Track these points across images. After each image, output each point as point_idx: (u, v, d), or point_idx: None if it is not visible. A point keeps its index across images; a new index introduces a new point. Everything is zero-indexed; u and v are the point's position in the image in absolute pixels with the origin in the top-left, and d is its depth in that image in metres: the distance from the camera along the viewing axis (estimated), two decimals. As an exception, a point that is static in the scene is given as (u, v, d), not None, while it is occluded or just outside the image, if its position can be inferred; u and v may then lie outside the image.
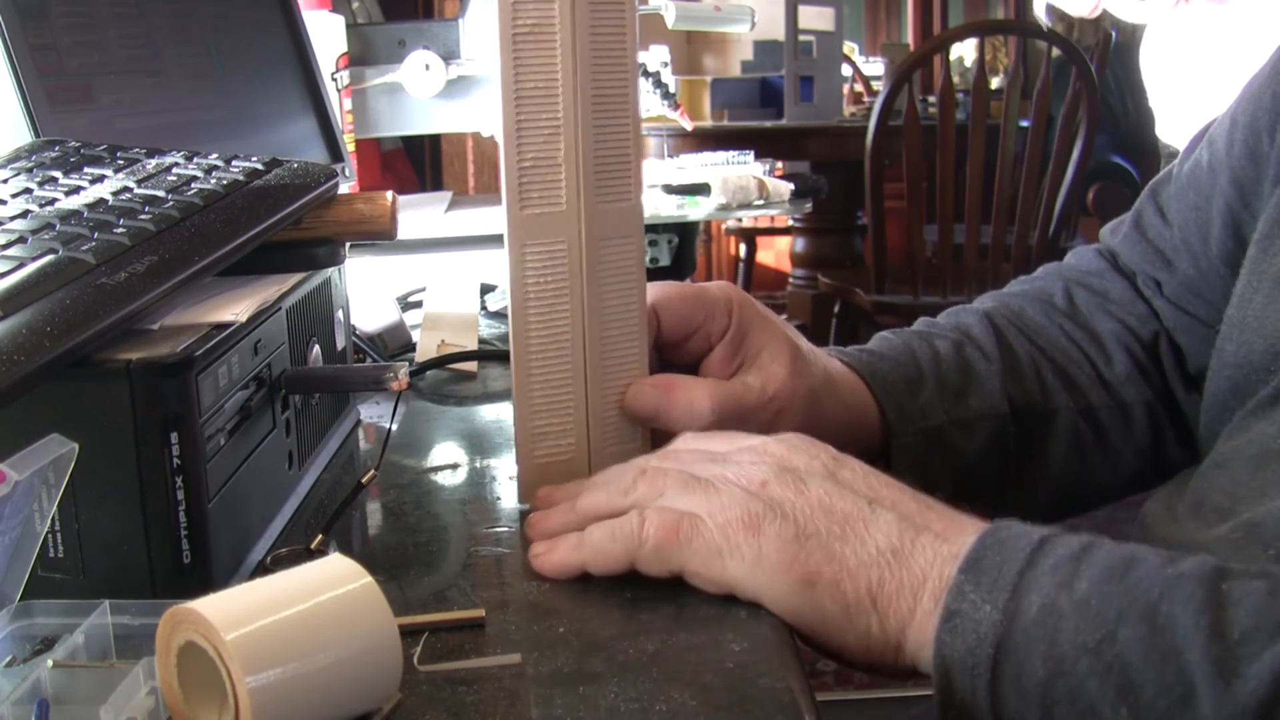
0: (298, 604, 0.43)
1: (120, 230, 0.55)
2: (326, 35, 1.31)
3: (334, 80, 1.31)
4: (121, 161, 0.66)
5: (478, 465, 0.76)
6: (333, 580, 0.44)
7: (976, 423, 0.76)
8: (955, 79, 3.18)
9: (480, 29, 1.42)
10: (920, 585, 0.52)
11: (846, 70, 4.06)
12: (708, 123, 3.75)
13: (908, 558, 0.52)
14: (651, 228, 1.51)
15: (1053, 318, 0.83)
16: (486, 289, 1.20)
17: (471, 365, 0.97)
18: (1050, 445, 0.78)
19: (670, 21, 1.49)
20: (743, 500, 0.54)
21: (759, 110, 4.00)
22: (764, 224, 4.73)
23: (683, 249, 1.55)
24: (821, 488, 0.55)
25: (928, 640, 0.51)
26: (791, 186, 1.57)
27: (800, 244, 3.78)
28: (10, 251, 0.51)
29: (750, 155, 1.74)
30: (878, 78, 4.42)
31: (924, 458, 0.75)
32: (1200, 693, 0.45)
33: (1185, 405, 0.81)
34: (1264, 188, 0.71)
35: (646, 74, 1.50)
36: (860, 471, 0.57)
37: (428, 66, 1.40)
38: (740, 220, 4.46)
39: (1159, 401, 0.81)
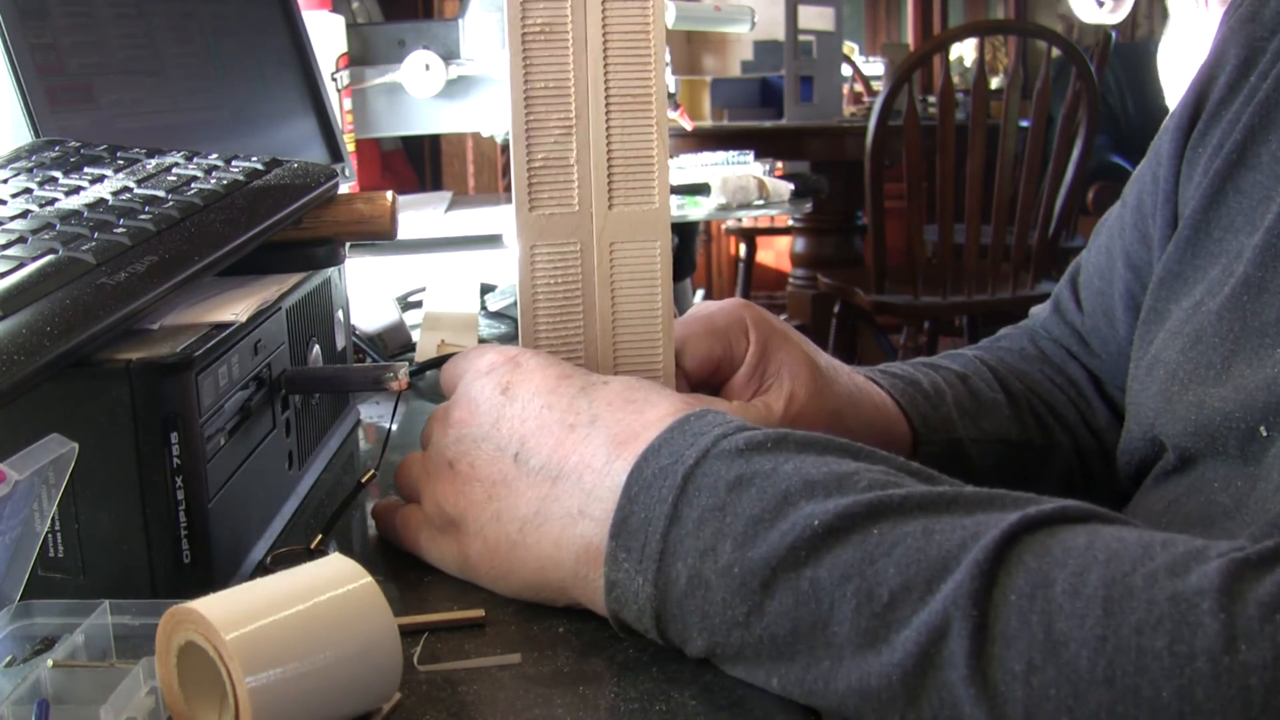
0: (298, 604, 0.43)
1: (120, 230, 0.55)
2: (326, 35, 1.31)
3: (334, 80, 1.31)
4: (121, 161, 0.66)
5: (478, 465, 0.75)
6: (333, 580, 0.44)
7: (989, 445, 0.76)
8: (955, 79, 3.18)
9: (480, 29, 1.42)
10: (561, 553, 0.51)
11: (846, 70, 4.06)
12: (708, 123, 3.75)
13: (542, 525, 0.52)
14: (651, 227, 1.51)
15: (1032, 364, 0.84)
16: (486, 289, 1.20)
17: (471, 365, 0.97)
18: (1046, 481, 0.78)
19: (670, 21, 1.49)
20: (432, 505, 0.57)
21: (759, 110, 4.01)
22: (764, 224, 4.73)
23: (683, 249, 1.56)
24: (467, 458, 0.55)
25: (599, 604, 0.51)
26: (791, 186, 1.57)
27: (800, 244, 3.78)
28: (10, 251, 0.51)
29: (750, 155, 1.75)
30: (878, 78, 4.42)
31: (947, 470, 0.74)
32: (846, 666, 0.43)
33: None
34: (1153, 269, 0.71)
35: (646, 74, 1.50)
36: (520, 408, 0.55)
37: (428, 66, 1.40)
38: (740, 220, 4.46)
39: None
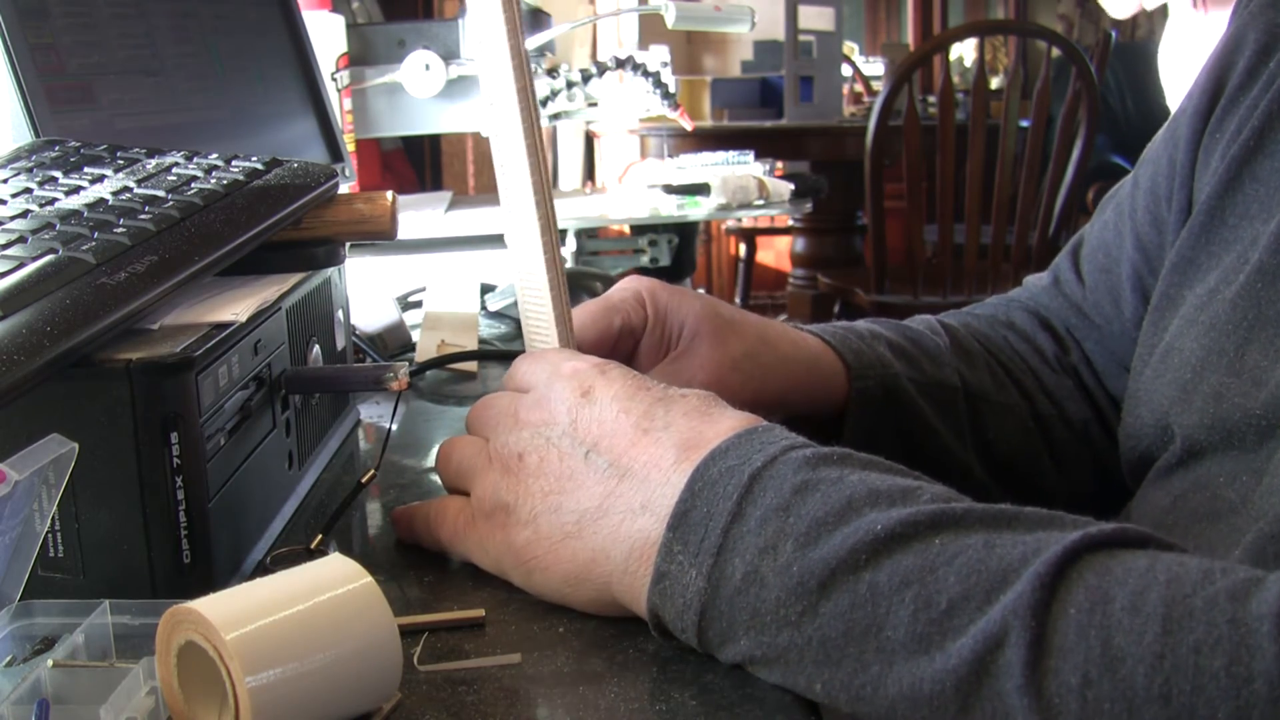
0: (298, 604, 0.43)
1: (120, 230, 0.55)
2: (326, 35, 1.31)
3: (334, 80, 1.31)
4: (121, 161, 0.66)
5: (478, 465, 0.75)
6: (333, 580, 0.44)
7: (931, 388, 0.74)
8: (955, 79, 3.18)
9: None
10: (614, 547, 0.51)
11: (846, 70, 4.06)
12: (708, 123, 3.76)
13: (601, 519, 0.52)
14: (651, 228, 1.51)
15: (997, 329, 0.83)
16: (486, 289, 1.20)
17: (471, 365, 0.97)
18: (1003, 435, 0.77)
19: (670, 21, 1.49)
20: (486, 492, 0.57)
21: (759, 110, 4.01)
22: (764, 224, 4.74)
23: (683, 249, 1.56)
24: (538, 453, 0.55)
25: (640, 599, 0.50)
26: (791, 186, 1.57)
27: (800, 244, 3.78)
28: (10, 251, 0.51)
29: (750, 155, 1.75)
30: (878, 78, 4.42)
31: (882, 408, 0.73)
32: (898, 671, 0.42)
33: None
34: (1165, 254, 0.70)
35: (646, 74, 1.50)
36: (598, 411, 0.55)
37: (428, 66, 1.40)
38: (740, 220, 4.46)
39: (1098, 424, 0.80)
